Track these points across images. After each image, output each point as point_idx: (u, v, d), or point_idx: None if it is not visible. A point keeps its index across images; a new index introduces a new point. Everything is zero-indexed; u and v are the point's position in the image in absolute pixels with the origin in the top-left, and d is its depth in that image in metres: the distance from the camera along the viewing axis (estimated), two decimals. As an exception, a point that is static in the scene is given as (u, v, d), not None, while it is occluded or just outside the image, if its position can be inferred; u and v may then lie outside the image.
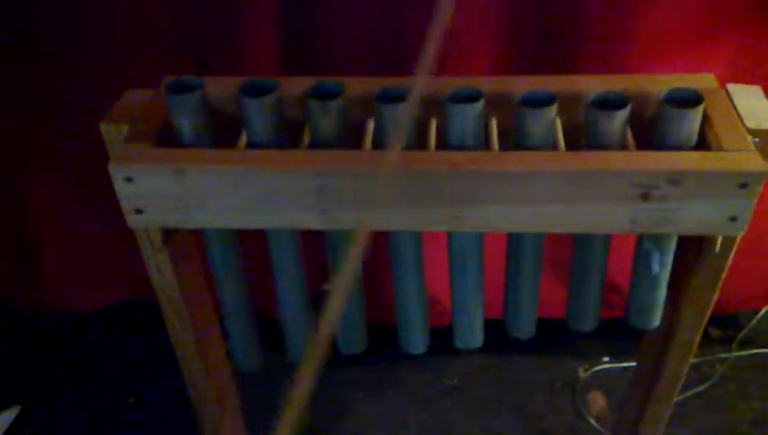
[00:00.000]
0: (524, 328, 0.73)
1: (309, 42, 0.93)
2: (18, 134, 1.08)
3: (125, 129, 0.63)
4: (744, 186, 0.56)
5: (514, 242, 0.68)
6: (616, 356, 1.27)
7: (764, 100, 0.62)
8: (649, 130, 0.61)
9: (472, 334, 0.74)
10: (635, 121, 0.62)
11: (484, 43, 0.91)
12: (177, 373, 0.80)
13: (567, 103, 0.62)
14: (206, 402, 0.83)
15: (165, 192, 0.60)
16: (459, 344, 0.75)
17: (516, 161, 0.58)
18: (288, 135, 0.64)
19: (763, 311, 1.29)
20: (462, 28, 0.88)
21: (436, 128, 0.65)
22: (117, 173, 0.60)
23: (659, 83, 0.62)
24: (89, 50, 0.97)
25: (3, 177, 1.13)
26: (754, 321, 1.29)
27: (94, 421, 1.20)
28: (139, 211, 0.62)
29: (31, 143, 1.09)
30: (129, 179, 0.60)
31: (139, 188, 0.60)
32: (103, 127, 0.64)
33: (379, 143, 0.63)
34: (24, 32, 0.97)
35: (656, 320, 0.71)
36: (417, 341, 0.76)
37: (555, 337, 1.27)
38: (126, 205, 0.62)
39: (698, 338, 0.73)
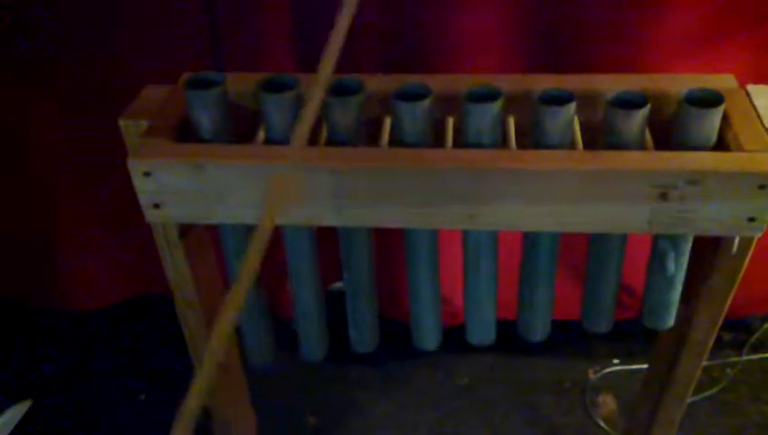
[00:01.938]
0: (538, 331, 0.73)
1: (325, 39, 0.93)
2: (29, 132, 1.08)
3: (144, 124, 0.63)
4: (763, 187, 0.56)
5: (530, 242, 0.68)
6: (626, 358, 1.27)
7: (784, 101, 0.62)
8: (668, 131, 0.61)
9: (484, 331, 0.74)
10: (654, 121, 0.61)
11: (500, 42, 0.91)
12: (190, 370, 0.80)
13: (585, 102, 0.62)
14: (218, 399, 0.84)
15: (183, 187, 0.61)
16: (472, 341, 0.75)
17: (533, 160, 0.58)
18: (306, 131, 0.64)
19: (774, 315, 1.29)
20: (478, 26, 0.88)
21: (454, 126, 0.65)
22: (135, 167, 0.60)
23: (678, 83, 0.62)
24: (104, 47, 0.97)
25: (12, 174, 1.14)
26: (767, 325, 1.28)
27: (104, 417, 1.20)
28: (156, 206, 0.62)
29: (43, 142, 1.09)
30: (147, 174, 0.60)
31: (158, 182, 0.60)
32: (122, 122, 0.64)
33: (396, 140, 0.63)
34: (36, 29, 0.97)
35: (670, 320, 0.71)
36: (429, 337, 0.76)
37: (566, 338, 1.27)
38: (144, 200, 0.62)
39: (712, 340, 0.73)
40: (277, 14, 0.91)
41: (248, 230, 0.69)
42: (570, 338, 1.28)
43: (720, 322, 0.71)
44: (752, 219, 0.58)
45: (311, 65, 0.94)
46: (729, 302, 0.69)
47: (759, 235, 0.60)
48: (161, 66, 0.75)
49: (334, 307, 0.79)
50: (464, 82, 0.62)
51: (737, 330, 1.29)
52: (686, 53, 0.89)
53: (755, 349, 1.26)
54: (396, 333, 0.91)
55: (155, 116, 0.63)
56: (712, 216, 0.58)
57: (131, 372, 1.27)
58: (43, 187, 1.14)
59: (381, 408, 1.21)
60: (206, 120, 0.61)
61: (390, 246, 0.92)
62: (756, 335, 1.27)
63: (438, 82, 0.63)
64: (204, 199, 0.61)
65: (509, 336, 0.80)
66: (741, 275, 0.67)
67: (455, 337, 0.85)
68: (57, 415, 1.20)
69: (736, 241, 0.63)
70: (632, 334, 1.13)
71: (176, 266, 0.69)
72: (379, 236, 0.71)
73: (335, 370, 1.25)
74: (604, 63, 0.89)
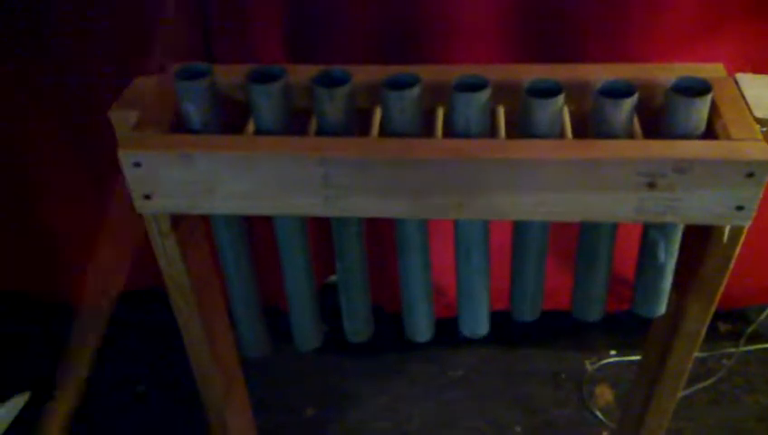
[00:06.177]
0: (529, 310, 0.73)
1: (316, 30, 0.93)
2: (27, 130, 1.08)
3: (134, 115, 0.63)
4: (751, 175, 0.56)
5: (520, 230, 0.68)
6: (623, 350, 1.27)
7: (773, 89, 0.62)
8: (657, 119, 0.61)
9: (477, 322, 0.74)
10: (642, 110, 0.61)
11: (490, 32, 0.91)
12: (186, 360, 0.81)
13: (574, 92, 0.62)
14: (213, 389, 0.84)
15: (173, 178, 0.61)
16: (465, 331, 0.75)
17: (521, 149, 0.58)
18: (295, 122, 0.64)
19: (771, 306, 1.29)
20: (468, 17, 0.88)
21: (444, 116, 0.65)
22: (126, 158, 0.60)
23: (667, 72, 0.62)
24: (95, 38, 0.97)
25: (14, 170, 1.14)
26: (763, 316, 1.28)
27: (102, 409, 1.21)
28: (147, 197, 0.62)
29: (40, 139, 1.09)
30: (137, 165, 0.60)
31: (148, 173, 0.61)
32: (113, 113, 0.64)
33: (385, 131, 0.63)
34: (26, 27, 0.97)
35: (661, 308, 0.71)
36: (421, 328, 0.76)
37: (562, 330, 1.28)
38: (134, 190, 0.62)
39: (704, 330, 0.73)
40: (269, 5, 0.91)
41: (239, 220, 0.69)
42: (566, 329, 1.28)
43: (712, 312, 0.71)
44: (740, 208, 0.58)
45: (300, 56, 0.95)
46: (721, 292, 0.69)
47: (747, 224, 0.60)
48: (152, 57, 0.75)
49: (332, 299, 0.79)
50: (453, 72, 0.62)
51: (734, 321, 1.29)
52: (676, 43, 0.89)
53: (752, 340, 1.26)
54: (392, 325, 0.91)
55: (146, 107, 0.64)
56: (700, 204, 0.58)
57: (130, 363, 1.28)
58: (45, 180, 1.14)
59: (377, 399, 1.21)
60: (195, 111, 0.61)
61: (387, 237, 0.93)
62: (753, 326, 1.27)
63: (428, 72, 0.63)
64: (194, 190, 0.62)
65: (505, 328, 0.80)
66: (732, 264, 0.66)
67: (449, 329, 0.85)
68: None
69: (727, 230, 0.63)
70: (629, 326, 1.13)
71: (168, 257, 0.69)
72: (375, 227, 0.71)
73: (331, 360, 1.26)
74: (595, 54, 0.89)
